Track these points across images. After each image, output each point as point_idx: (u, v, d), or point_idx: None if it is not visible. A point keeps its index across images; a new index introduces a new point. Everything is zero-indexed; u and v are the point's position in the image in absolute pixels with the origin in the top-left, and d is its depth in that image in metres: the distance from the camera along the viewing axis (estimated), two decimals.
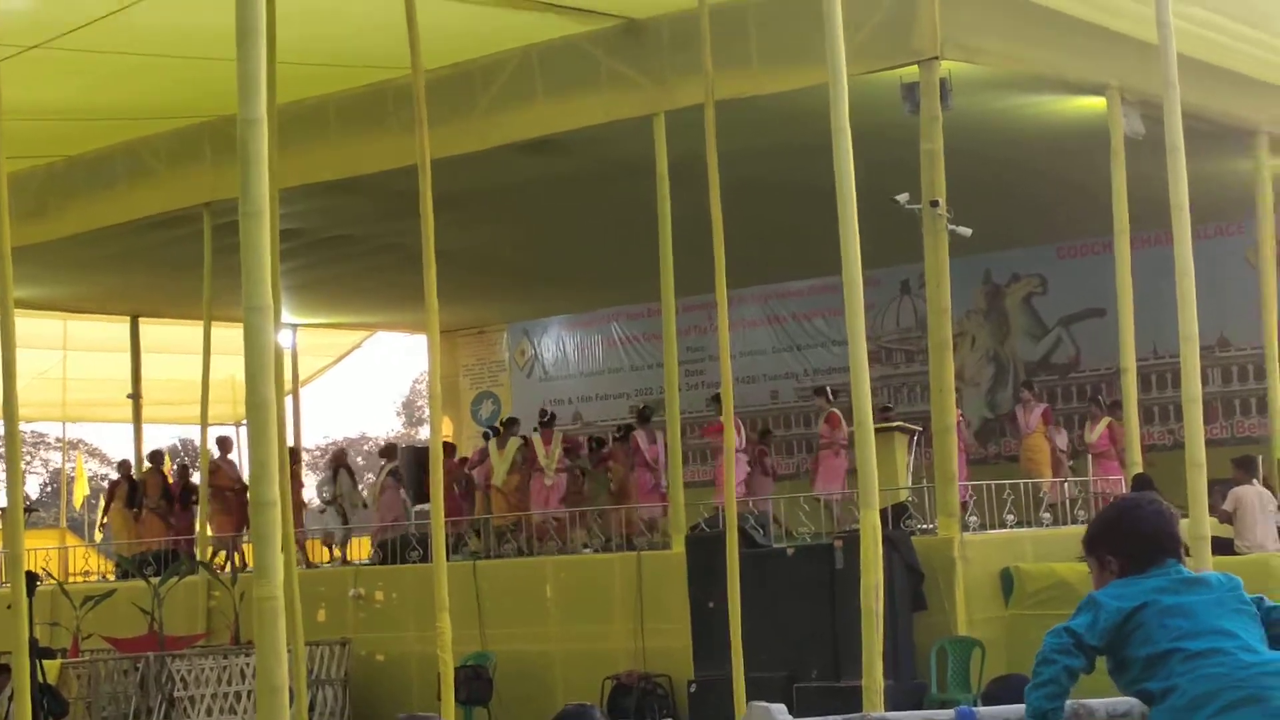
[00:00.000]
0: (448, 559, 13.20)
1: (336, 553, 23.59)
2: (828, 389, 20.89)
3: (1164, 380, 23.11)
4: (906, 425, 18.23)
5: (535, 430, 21.33)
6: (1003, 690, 13.26)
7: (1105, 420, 20.72)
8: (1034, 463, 20.39)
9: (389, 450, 24.55)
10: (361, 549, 25.14)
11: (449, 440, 25.87)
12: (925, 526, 16.18)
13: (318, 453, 54.73)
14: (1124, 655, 4.80)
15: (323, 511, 24.18)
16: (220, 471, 22.63)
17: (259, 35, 6.59)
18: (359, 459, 61.46)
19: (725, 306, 13.91)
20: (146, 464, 25.04)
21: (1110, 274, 17.13)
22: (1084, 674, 4.78)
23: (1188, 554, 5.33)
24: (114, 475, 33.84)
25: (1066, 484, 19.35)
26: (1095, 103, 17.07)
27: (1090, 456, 20.67)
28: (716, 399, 19.80)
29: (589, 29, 16.90)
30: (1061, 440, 21.29)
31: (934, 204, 15.10)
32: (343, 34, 16.43)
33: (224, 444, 23.30)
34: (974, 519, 16.47)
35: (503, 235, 22.99)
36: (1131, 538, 4.94)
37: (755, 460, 21.97)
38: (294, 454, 24.72)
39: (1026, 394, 21.74)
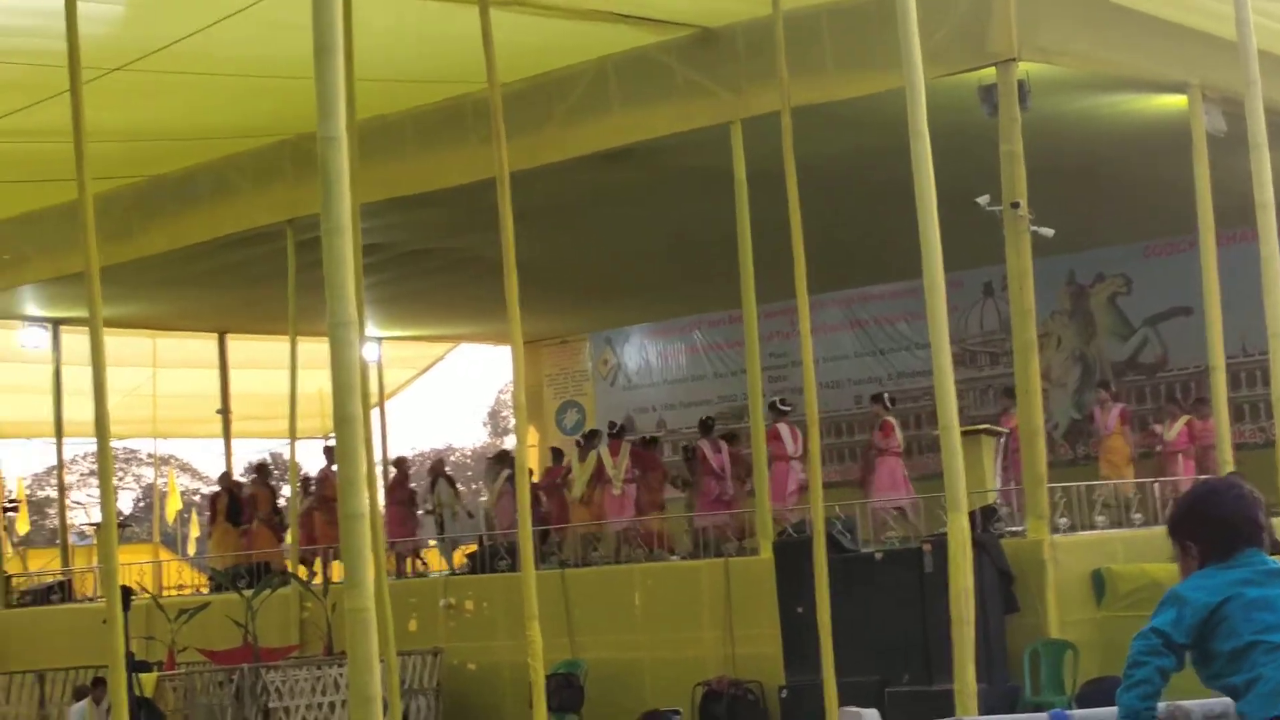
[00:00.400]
0: (536, 568, 13.28)
1: (433, 563, 23.79)
2: (885, 396, 20.85)
3: (1254, 378, 22.86)
4: (994, 428, 18.12)
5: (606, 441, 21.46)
6: (1097, 693, 13.20)
7: (1184, 418, 20.49)
8: (1113, 465, 20.20)
9: (503, 457, 24.68)
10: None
11: (556, 447, 26.01)
12: (1014, 529, 16.08)
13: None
14: (1208, 649, 4.79)
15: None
16: (329, 481, 22.78)
17: (336, 53, 6.65)
18: (447, 469, 61.67)
19: (807, 312, 13.90)
20: (252, 476, 25.31)
21: (1196, 272, 16.98)
22: (1175, 672, 4.77)
23: (1276, 550, 5.27)
24: (206, 489, 34.14)
25: (1158, 484, 19.15)
26: (1176, 101, 16.92)
27: (1178, 455, 20.45)
28: (773, 406, 19.80)
29: (663, 39, 16.93)
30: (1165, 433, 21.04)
31: (1015, 205, 15.00)
32: (420, 50, 16.55)
33: (334, 454, 23.37)
34: (1064, 520, 16.34)
35: (582, 245, 23.06)
36: (1211, 523, 4.92)
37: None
38: (402, 464, 24.94)
39: (1104, 394, 21.49)
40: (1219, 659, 4.77)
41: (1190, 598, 4.80)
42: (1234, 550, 4.85)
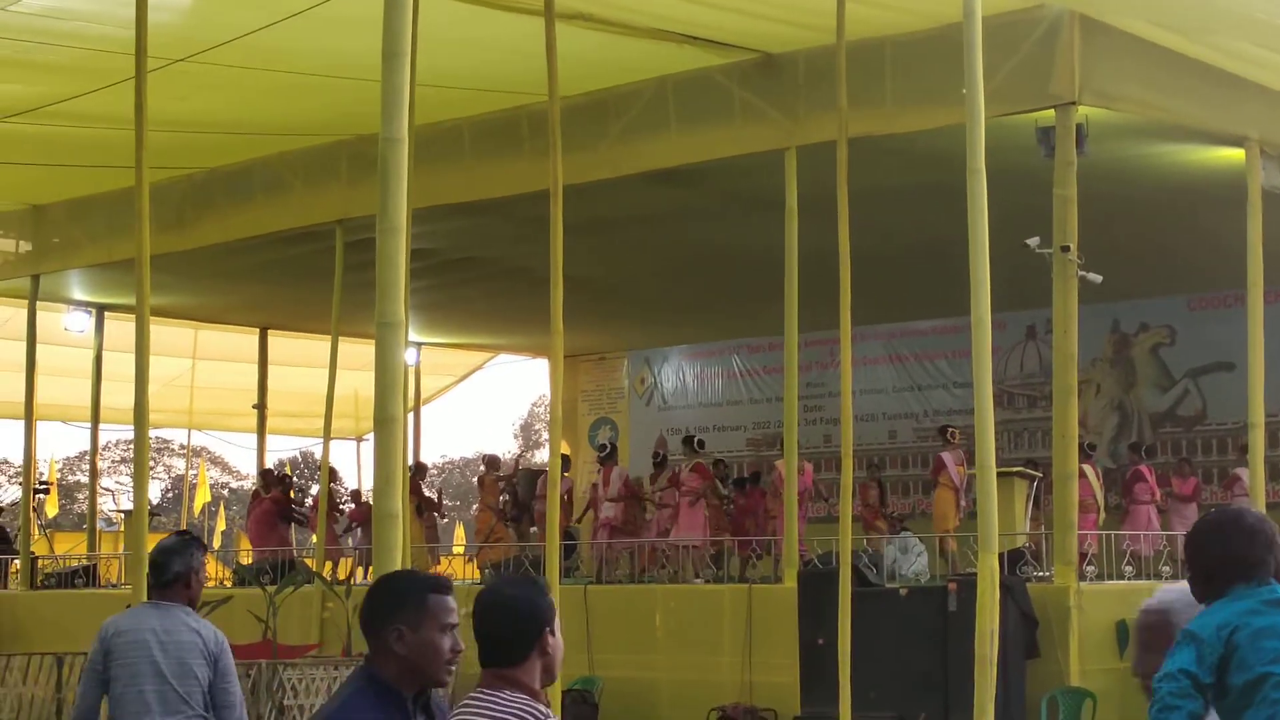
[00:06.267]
0: (560, 582, 13.28)
1: None
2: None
3: None
4: (1027, 471, 18.07)
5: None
6: None
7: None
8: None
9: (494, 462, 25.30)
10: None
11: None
12: (1041, 574, 16.02)
13: (434, 471, 55.25)
14: (1224, 683, 4.76)
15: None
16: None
17: (404, 58, 6.68)
18: (474, 479, 61.94)
19: (849, 343, 13.89)
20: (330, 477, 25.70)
21: (1240, 328, 16.90)
22: (1203, 717, 4.74)
23: None
24: (235, 484, 34.13)
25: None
26: (1233, 154, 16.86)
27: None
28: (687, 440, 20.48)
29: (725, 62, 16.95)
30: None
31: (1065, 249, 14.97)
32: (481, 59, 16.60)
33: (492, 463, 24.40)
34: (1091, 568, 16.28)
35: (629, 263, 23.09)
36: (1212, 558, 4.92)
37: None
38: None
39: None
40: (1233, 693, 4.75)
41: (1204, 635, 4.78)
42: (1232, 584, 4.84)
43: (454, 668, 4.67)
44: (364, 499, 24.70)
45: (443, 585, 4.71)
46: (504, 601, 4.59)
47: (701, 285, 24.59)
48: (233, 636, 20.12)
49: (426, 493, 25.77)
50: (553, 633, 4.57)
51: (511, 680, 4.53)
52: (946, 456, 20.61)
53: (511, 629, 4.54)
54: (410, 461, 25.07)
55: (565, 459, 22.00)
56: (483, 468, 25.04)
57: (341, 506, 25.42)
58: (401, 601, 4.62)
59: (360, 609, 4.70)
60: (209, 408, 32.03)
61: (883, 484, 23.65)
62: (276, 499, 24.89)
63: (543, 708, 4.51)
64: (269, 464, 28.33)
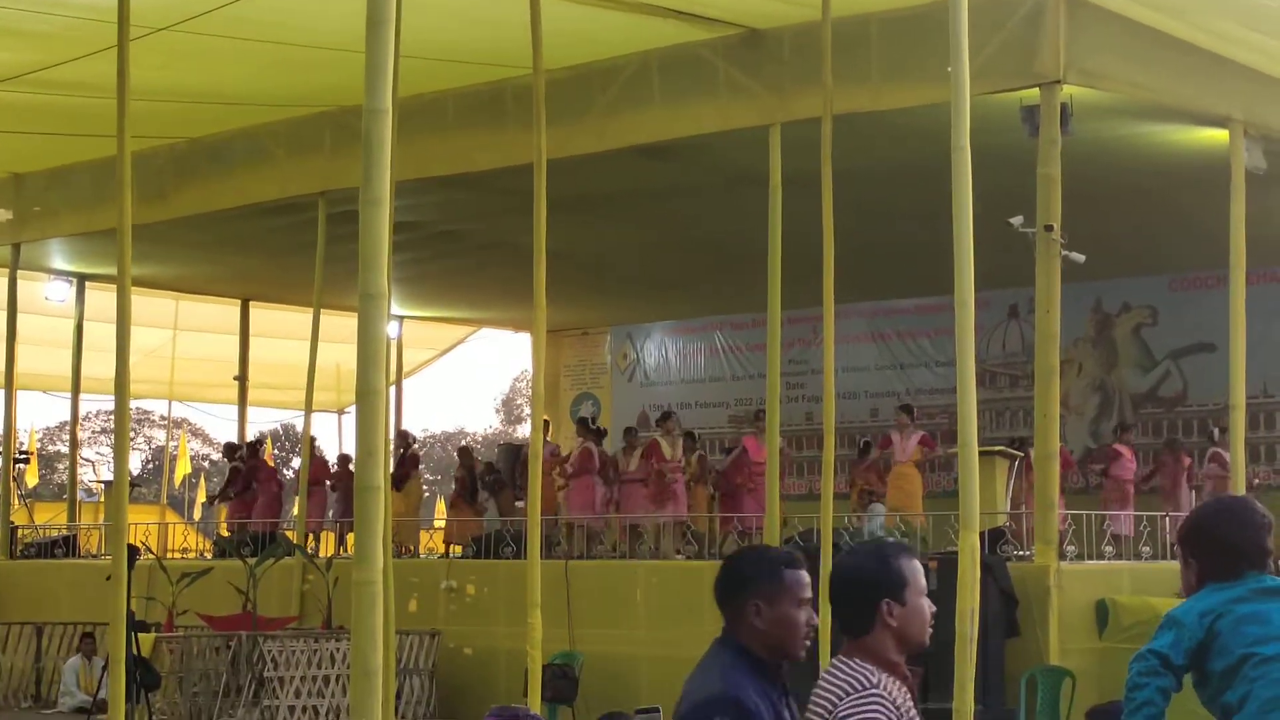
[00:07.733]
0: (540, 557, 13.27)
1: None
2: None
3: (1272, 419, 22.80)
4: (1008, 450, 18.08)
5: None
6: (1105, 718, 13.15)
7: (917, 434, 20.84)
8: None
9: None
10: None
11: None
12: (1021, 553, 16.05)
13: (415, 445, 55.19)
14: (1205, 669, 4.82)
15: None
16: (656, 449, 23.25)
17: (389, 26, 6.62)
18: (455, 453, 62.00)
19: (831, 321, 13.89)
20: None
21: (1222, 309, 16.92)
22: (1175, 692, 4.78)
23: None
24: (216, 455, 33.94)
25: (1168, 517, 19.10)
26: (1217, 135, 16.86)
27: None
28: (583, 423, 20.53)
29: (709, 36, 16.90)
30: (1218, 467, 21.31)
31: (1048, 229, 14.96)
32: (465, 31, 16.54)
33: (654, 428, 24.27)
34: (1071, 548, 16.31)
35: (612, 238, 23.05)
36: (1215, 542, 4.93)
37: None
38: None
39: (903, 418, 21.75)
40: (1214, 678, 4.80)
41: (1186, 620, 4.83)
42: (1235, 572, 4.86)
43: (809, 642, 4.58)
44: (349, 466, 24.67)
45: (796, 561, 4.65)
46: (842, 571, 4.57)
47: (684, 261, 24.57)
48: (212, 608, 20.27)
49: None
50: (899, 602, 4.47)
51: (863, 649, 4.48)
52: (927, 436, 20.71)
53: (848, 599, 4.50)
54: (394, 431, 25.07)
55: (545, 423, 21.87)
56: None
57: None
58: (756, 577, 4.59)
59: (715, 583, 4.67)
60: (190, 379, 31.94)
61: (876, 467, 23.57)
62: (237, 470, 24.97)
63: (873, 674, 4.41)
64: (250, 436, 28.30)
